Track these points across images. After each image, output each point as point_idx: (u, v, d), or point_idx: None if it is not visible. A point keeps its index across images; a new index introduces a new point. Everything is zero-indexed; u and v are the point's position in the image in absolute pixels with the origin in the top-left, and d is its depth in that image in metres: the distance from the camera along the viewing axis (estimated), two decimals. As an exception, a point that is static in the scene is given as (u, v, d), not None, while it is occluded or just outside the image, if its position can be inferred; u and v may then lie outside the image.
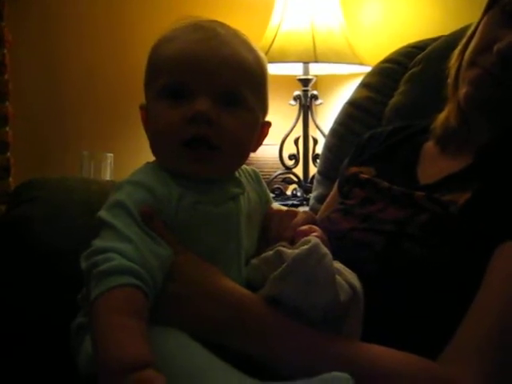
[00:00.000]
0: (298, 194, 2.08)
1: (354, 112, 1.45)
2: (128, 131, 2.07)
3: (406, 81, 1.34)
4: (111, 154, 1.61)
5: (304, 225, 0.79)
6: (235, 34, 0.78)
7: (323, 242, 0.72)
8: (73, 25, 2.06)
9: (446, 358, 0.70)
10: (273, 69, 2.06)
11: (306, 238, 0.71)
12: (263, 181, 0.87)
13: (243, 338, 0.69)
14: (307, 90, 2.06)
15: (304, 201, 2.01)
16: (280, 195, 2.08)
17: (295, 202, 1.98)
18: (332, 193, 1.10)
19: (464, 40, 0.90)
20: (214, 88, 0.73)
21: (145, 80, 0.79)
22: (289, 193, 2.13)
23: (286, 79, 2.19)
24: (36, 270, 0.99)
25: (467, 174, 0.84)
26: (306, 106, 2.07)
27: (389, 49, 1.56)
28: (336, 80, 2.25)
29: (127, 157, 1.97)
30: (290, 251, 0.69)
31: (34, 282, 0.98)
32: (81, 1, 2.08)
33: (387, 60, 1.47)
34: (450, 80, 0.92)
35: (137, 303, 0.63)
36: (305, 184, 2.08)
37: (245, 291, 0.71)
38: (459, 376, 0.68)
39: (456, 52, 0.92)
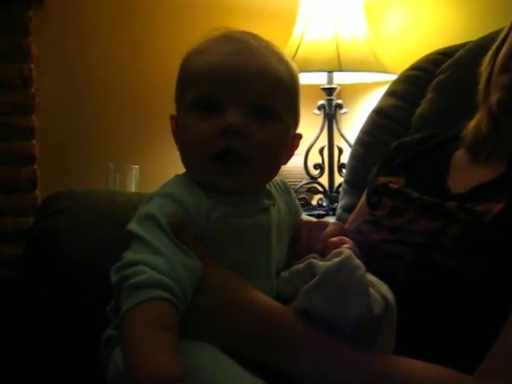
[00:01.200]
0: (324, 203, 2.06)
1: (380, 120, 1.43)
2: (153, 143, 2.09)
3: (433, 88, 1.32)
4: (137, 166, 1.61)
5: (334, 236, 0.78)
6: (267, 46, 0.76)
7: (355, 253, 0.70)
8: (96, 39, 2.09)
9: (483, 372, 0.68)
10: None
11: (337, 250, 0.69)
12: (292, 191, 0.86)
13: (273, 351, 0.68)
14: (331, 99, 2.05)
15: (330, 211, 1.99)
16: (305, 205, 2.06)
17: (321, 212, 1.96)
18: (360, 202, 1.08)
19: (495, 45, 0.88)
20: (245, 100, 0.72)
21: (176, 92, 0.78)
22: (314, 203, 2.12)
23: (310, 88, 2.18)
24: (64, 282, 1.01)
25: (500, 183, 0.82)
26: (331, 115, 2.05)
27: (413, 56, 1.54)
28: (360, 89, 2.23)
29: (153, 168, 1.98)
30: (321, 263, 0.67)
31: (62, 294, 0.99)
32: (104, 16, 2.10)
33: (413, 67, 1.45)
34: (480, 86, 0.90)
35: (168, 317, 0.62)
36: (330, 194, 2.06)
37: (275, 303, 0.70)
38: None
39: (487, 57, 0.90)
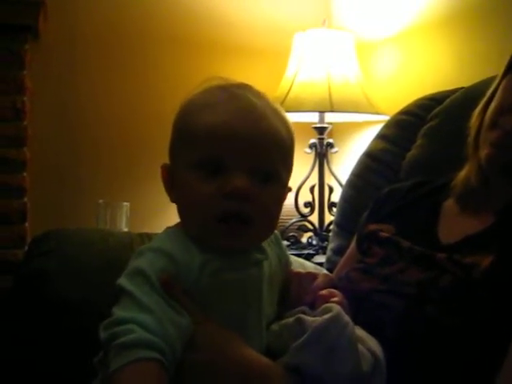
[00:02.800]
0: (314, 242, 2.07)
1: (370, 163, 1.45)
2: (144, 180, 2.09)
3: (423, 134, 1.34)
4: (127, 203, 1.61)
5: (324, 288, 0.78)
6: (267, 104, 0.76)
7: (343, 307, 0.71)
8: (89, 75, 2.11)
9: None
10: (289, 114, 2.07)
11: (327, 305, 0.70)
12: (283, 243, 0.86)
13: None
14: (323, 138, 2.07)
15: (320, 249, 2.00)
16: (295, 243, 2.07)
17: (311, 252, 1.97)
18: (350, 248, 1.09)
19: (484, 100, 0.90)
20: (251, 164, 0.72)
21: (174, 144, 0.77)
22: (304, 240, 2.12)
23: (301, 127, 2.20)
24: (51, 324, 1.00)
25: (489, 235, 0.83)
26: (322, 154, 2.07)
27: (405, 99, 1.57)
28: (351, 128, 2.26)
29: (143, 206, 1.98)
30: (311, 319, 0.67)
31: (50, 336, 0.99)
32: (97, 53, 2.13)
33: (404, 112, 1.48)
34: (470, 139, 0.92)
35: (157, 377, 0.62)
36: (320, 232, 2.07)
37: (265, 360, 0.70)
38: None
39: (476, 112, 0.91)
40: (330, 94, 1.91)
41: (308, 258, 1.87)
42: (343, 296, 0.77)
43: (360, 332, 0.71)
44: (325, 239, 2.01)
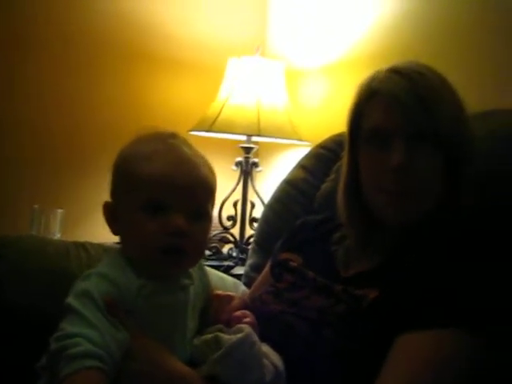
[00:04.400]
0: (234, 254, 2.21)
1: (290, 191, 1.60)
2: (79, 188, 2.16)
3: (335, 170, 1.50)
4: (61, 210, 1.69)
5: (238, 310, 0.93)
6: (197, 154, 0.92)
7: (253, 327, 0.87)
8: (34, 79, 2.12)
9: None
10: (218, 134, 2.21)
11: (239, 326, 0.86)
12: (205, 268, 1.01)
13: None
14: (249, 158, 2.21)
15: (239, 261, 2.14)
16: (216, 253, 2.20)
17: (231, 264, 2.11)
18: (264, 271, 1.24)
19: (342, 183, 1.08)
20: (188, 206, 0.87)
21: (117, 188, 0.91)
22: (225, 251, 2.26)
23: (229, 145, 2.35)
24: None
25: (375, 273, 1.00)
26: (247, 172, 2.22)
27: (328, 128, 1.70)
28: (276, 149, 2.41)
29: (77, 212, 2.05)
30: (226, 337, 0.83)
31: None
32: (42, 56, 2.13)
33: (321, 146, 1.64)
34: (344, 217, 1.08)
35: (100, 383, 0.75)
36: (241, 244, 2.22)
37: (188, 369, 0.84)
38: None
39: (340, 195, 1.09)
40: (258, 119, 2.06)
41: (228, 269, 2.01)
42: (254, 317, 0.92)
43: (265, 348, 0.87)
44: (244, 251, 2.17)
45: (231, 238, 2.24)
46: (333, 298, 0.97)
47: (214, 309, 0.96)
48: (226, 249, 2.28)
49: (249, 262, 1.63)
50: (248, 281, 1.54)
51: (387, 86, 0.98)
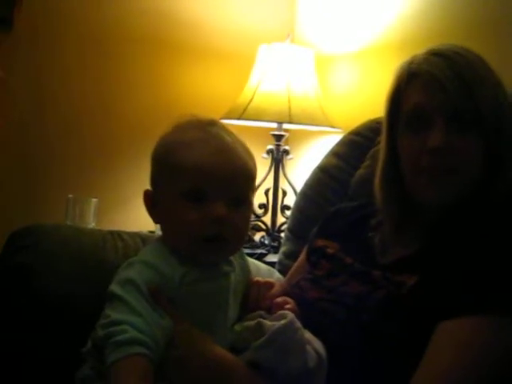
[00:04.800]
0: (266, 241, 2.21)
1: (323, 177, 1.59)
2: (113, 176, 2.16)
3: (370, 156, 1.49)
4: (96, 199, 1.70)
5: (279, 296, 0.93)
6: (237, 141, 0.92)
7: (295, 314, 0.86)
8: (62, 67, 2.14)
9: None
10: (249, 122, 2.21)
11: (282, 312, 0.86)
12: (245, 255, 1.01)
13: None
14: (279, 145, 2.21)
15: (271, 249, 2.14)
16: (249, 241, 2.21)
17: (263, 252, 2.11)
18: (301, 258, 1.23)
19: (380, 165, 1.06)
20: (229, 194, 0.88)
21: (158, 176, 0.92)
22: (257, 239, 2.26)
23: (260, 132, 2.34)
24: (38, 317, 1.10)
25: (414, 259, 0.99)
26: (278, 159, 2.22)
27: (359, 115, 1.70)
28: (307, 136, 2.40)
29: (111, 201, 2.07)
30: (269, 323, 0.83)
31: (36, 328, 1.09)
32: (70, 45, 2.14)
33: (354, 132, 1.62)
34: (380, 200, 1.06)
35: (146, 369, 0.77)
36: (272, 232, 2.22)
37: (230, 356, 0.85)
38: None
39: (377, 180, 1.07)
40: (289, 107, 2.05)
41: (260, 257, 2.02)
42: (295, 303, 0.92)
43: (308, 335, 0.87)
44: (276, 239, 2.17)
45: (263, 226, 2.24)
46: (371, 284, 0.97)
47: (255, 295, 0.96)
48: (257, 237, 2.28)
49: (282, 249, 1.63)
50: (282, 268, 1.54)
51: (426, 68, 0.97)
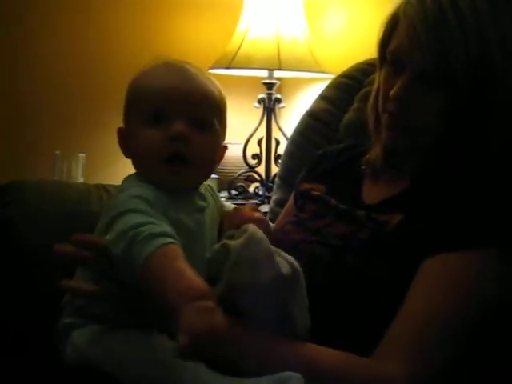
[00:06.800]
0: (260, 192, 2.19)
1: (312, 123, 1.56)
2: (100, 131, 2.14)
3: (359, 98, 1.45)
4: (83, 154, 1.68)
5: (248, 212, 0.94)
6: (200, 71, 0.93)
7: (263, 223, 0.88)
8: (51, 19, 2.11)
9: (377, 355, 0.83)
10: (239, 71, 2.16)
11: (244, 227, 0.83)
12: (216, 192, 1.02)
13: None
14: (271, 94, 2.17)
15: (265, 199, 2.12)
16: (243, 193, 2.19)
17: (257, 202, 2.09)
18: (288, 203, 1.21)
19: (373, 93, 1.03)
20: (188, 113, 0.87)
21: (125, 108, 0.92)
22: (251, 190, 2.25)
23: (251, 82, 2.30)
24: (20, 267, 1.10)
25: (401, 198, 0.96)
26: (270, 108, 2.18)
27: (351, 59, 1.65)
28: (299, 84, 2.36)
29: (99, 157, 2.05)
30: (233, 243, 0.82)
31: (17, 280, 1.08)
32: (61, 10, 2.12)
33: (344, 75, 1.58)
34: (370, 128, 1.04)
35: (182, 256, 0.75)
36: (267, 183, 2.20)
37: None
38: (391, 370, 0.80)
39: (370, 103, 1.04)
40: (278, 52, 2.01)
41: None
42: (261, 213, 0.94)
43: (278, 250, 0.83)
44: (270, 189, 2.14)
45: (257, 177, 2.22)
46: (355, 225, 0.95)
47: (227, 220, 0.95)
48: (252, 188, 2.26)
49: (274, 197, 1.61)
50: (274, 217, 1.51)
51: (411, 12, 0.91)
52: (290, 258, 0.84)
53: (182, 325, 0.67)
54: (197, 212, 0.90)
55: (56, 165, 1.65)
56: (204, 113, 0.89)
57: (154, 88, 0.88)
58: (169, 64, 0.92)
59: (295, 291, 0.82)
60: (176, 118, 0.86)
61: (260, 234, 0.82)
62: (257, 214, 0.94)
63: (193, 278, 0.72)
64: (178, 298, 0.69)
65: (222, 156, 0.97)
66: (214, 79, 0.94)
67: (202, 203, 0.92)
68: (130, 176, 0.91)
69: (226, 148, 0.97)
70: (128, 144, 0.91)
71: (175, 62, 0.92)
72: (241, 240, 0.81)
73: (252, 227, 0.83)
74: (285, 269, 0.80)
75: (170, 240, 0.76)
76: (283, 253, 0.84)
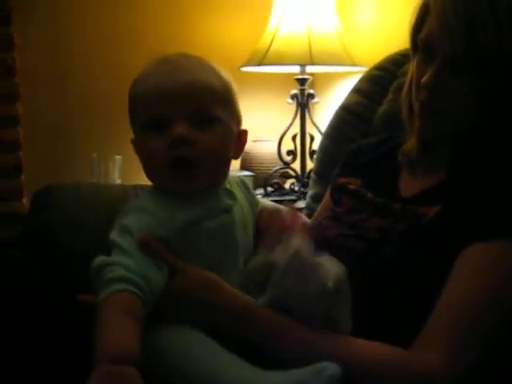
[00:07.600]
0: (296, 188, 2.19)
1: (346, 116, 1.54)
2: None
3: (393, 89, 1.43)
4: (120, 156, 1.70)
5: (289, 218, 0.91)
6: (198, 61, 0.87)
7: (304, 232, 0.85)
8: (80, 29, 2.15)
9: (416, 345, 0.82)
10: (270, 68, 2.16)
11: (287, 239, 0.82)
12: (250, 186, 0.98)
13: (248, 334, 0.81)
14: (304, 89, 2.15)
15: (301, 195, 2.12)
16: (278, 189, 2.19)
17: (293, 198, 2.08)
18: (325, 198, 1.20)
19: (407, 82, 1.01)
20: (186, 112, 0.83)
21: (129, 117, 0.89)
22: (287, 186, 2.24)
23: (283, 78, 2.29)
24: (58, 270, 1.11)
25: (438, 190, 0.95)
26: (303, 104, 2.17)
27: (383, 51, 1.63)
28: (332, 78, 2.34)
29: (135, 158, 2.06)
30: (279, 258, 0.81)
31: (57, 282, 1.10)
32: (87, 6, 2.15)
33: (377, 67, 1.56)
34: (404, 117, 1.02)
35: (132, 306, 0.74)
36: (302, 179, 2.19)
37: (248, 299, 0.83)
38: (429, 360, 0.79)
39: (404, 92, 1.02)
40: (310, 47, 1.99)
41: (290, 203, 1.99)
42: (302, 219, 0.92)
43: (325, 257, 0.83)
44: (306, 185, 2.12)
45: (292, 173, 2.21)
46: (392, 217, 0.93)
47: (264, 223, 0.93)
48: (287, 184, 2.26)
49: (309, 193, 1.60)
50: (310, 212, 1.51)
51: (440, 3, 0.89)
52: (336, 268, 0.83)
53: (89, 381, 0.66)
54: (222, 213, 0.87)
55: (93, 168, 1.67)
56: (203, 107, 0.84)
57: (146, 95, 0.84)
58: (160, 64, 0.87)
59: (340, 299, 0.82)
60: (175, 120, 0.82)
61: (304, 246, 0.81)
62: (298, 222, 0.89)
63: (124, 337, 0.70)
64: (100, 353, 0.68)
65: (243, 141, 0.91)
66: (215, 66, 0.88)
67: (227, 201, 0.88)
68: (148, 188, 0.90)
69: (245, 132, 0.91)
70: (138, 154, 0.89)
71: (168, 59, 0.87)
72: (286, 256, 0.80)
73: (296, 240, 0.82)
74: (330, 281, 0.80)
75: (124, 286, 0.74)
76: (329, 262, 0.83)
